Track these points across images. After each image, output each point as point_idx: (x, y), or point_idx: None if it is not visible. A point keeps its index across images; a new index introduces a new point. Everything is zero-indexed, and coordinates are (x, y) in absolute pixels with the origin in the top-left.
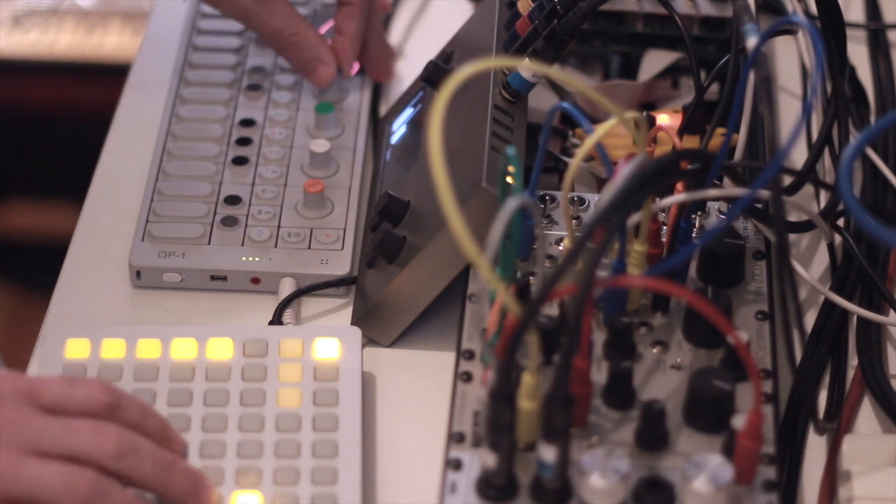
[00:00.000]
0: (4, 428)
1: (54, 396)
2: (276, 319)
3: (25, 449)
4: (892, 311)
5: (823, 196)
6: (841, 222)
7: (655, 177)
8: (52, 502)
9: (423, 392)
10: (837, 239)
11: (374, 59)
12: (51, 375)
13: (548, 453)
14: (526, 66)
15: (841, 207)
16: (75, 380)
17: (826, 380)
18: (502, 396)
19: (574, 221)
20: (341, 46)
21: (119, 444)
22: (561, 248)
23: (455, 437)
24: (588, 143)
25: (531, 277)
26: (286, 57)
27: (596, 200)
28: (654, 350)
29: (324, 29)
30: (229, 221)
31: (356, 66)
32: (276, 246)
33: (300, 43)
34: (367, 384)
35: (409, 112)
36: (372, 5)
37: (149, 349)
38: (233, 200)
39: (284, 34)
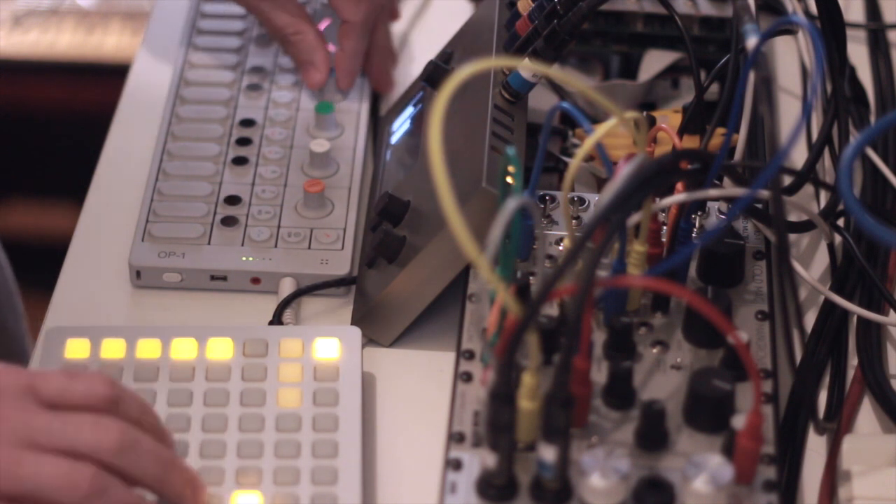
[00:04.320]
0: (3, 424)
1: (54, 390)
2: (276, 319)
3: (24, 444)
4: (892, 311)
5: (823, 196)
6: (841, 222)
7: (655, 177)
8: (53, 498)
9: (423, 392)
10: (837, 239)
11: (375, 71)
12: (51, 369)
13: (548, 453)
14: (526, 66)
15: (841, 207)
16: (76, 373)
17: (826, 380)
18: (502, 396)
19: (574, 221)
20: (339, 61)
21: (120, 439)
22: (561, 248)
23: (455, 437)
24: (588, 143)
25: (531, 277)
26: (286, 52)
27: (596, 200)
28: (654, 350)
29: (322, 26)
30: (229, 221)
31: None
32: (276, 246)
33: (298, 43)
34: (367, 384)
35: (409, 112)
36: (377, 23)
37: (149, 349)
38: (233, 200)
39: (286, 32)
